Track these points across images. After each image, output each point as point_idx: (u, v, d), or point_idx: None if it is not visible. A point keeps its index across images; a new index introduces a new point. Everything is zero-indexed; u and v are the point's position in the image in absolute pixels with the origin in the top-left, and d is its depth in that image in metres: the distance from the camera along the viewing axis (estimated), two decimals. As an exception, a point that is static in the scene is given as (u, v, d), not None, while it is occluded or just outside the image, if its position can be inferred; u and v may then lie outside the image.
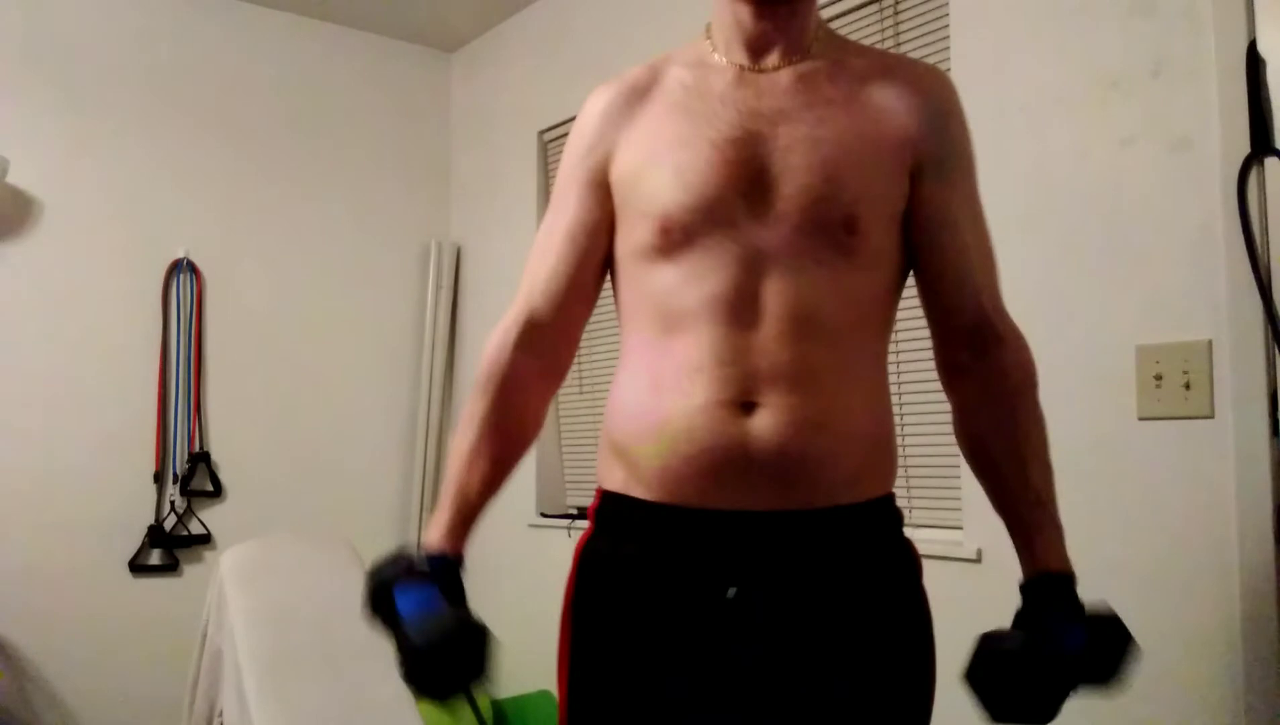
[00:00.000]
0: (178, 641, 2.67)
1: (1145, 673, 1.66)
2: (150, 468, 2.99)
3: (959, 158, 1.15)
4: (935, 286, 1.15)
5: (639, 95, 1.19)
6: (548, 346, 1.23)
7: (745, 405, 1.04)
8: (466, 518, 1.17)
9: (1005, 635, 1.03)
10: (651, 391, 1.09)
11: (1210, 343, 1.61)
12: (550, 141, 3.20)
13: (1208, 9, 1.62)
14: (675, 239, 1.09)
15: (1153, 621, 1.65)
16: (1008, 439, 1.12)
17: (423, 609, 1.08)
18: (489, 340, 1.24)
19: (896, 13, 2.18)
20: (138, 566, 2.96)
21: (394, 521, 3.42)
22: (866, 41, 2.16)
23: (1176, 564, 1.63)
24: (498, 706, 2.87)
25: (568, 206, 1.22)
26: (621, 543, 1.13)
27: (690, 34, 1.25)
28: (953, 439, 1.20)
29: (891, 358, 2.03)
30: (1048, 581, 1.06)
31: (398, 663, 1.08)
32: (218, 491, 3.10)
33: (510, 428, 1.22)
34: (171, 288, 3.07)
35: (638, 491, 1.11)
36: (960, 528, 1.94)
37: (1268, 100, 1.56)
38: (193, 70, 3.14)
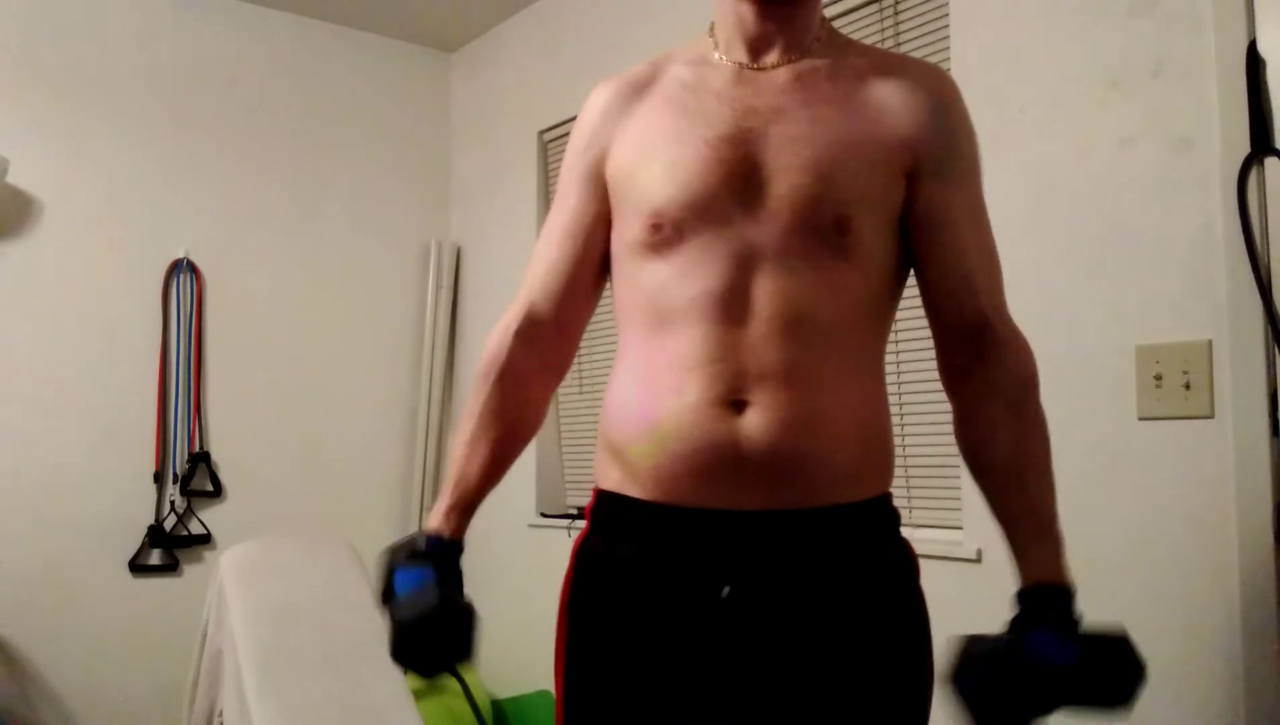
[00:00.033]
0: (178, 641, 2.67)
1: (1146, 672, 1.66)
2: (150, 468, 3.00)
3: (959, 158, 1.13)
4: (934, 287, 1.14)
5: (638, 91, 1.19)
6: (547, 341, 1.24)
7: (736, 403, 1.04)
8: (465, 505, 1.20)
9: (986, 639, 1.00)
10: (644, 390, 1.10)
11: (1210, 343, 1.61)
12: (550, 141, 3.20)
13: (1208, 9, 1.62)
14: (667, 235, 1.09)
15: (1153, 621, 1.65)
16: (1005, 446, 1.09)
17: (412, 587, 1.12)
18: (490, 334, 1.25)
19: (896, 13, 2.18)
20: (138, 566, 2.96)
21: (394, 522, 3.42)
22: (866, 41, 2.16)
23: (1176, 564, 1.63)
24: (498, 706, 2.87)
25: (567, 203, 1.23)
26: (617, 542, 1.14)
27: (690, 34, 1.25)
28: (953, 439, 1.19)
29: (891, 358, 2.04)
30: (1039, 593, 1.02)
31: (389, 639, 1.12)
32: (218, 491, 3.10)
33: (509, 419, 1.23)
34: (171, 288, 3.07)
35: (632, 491, 1.11)
36: (960, 528, 1.94)
37: (1268, 100, 1.56)
38: (193, 70, 3.15)
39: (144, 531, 2.97)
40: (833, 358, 1.07)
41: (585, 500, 1.22)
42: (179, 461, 3.04)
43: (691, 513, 1.07)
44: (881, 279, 1.12)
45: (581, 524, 1.21)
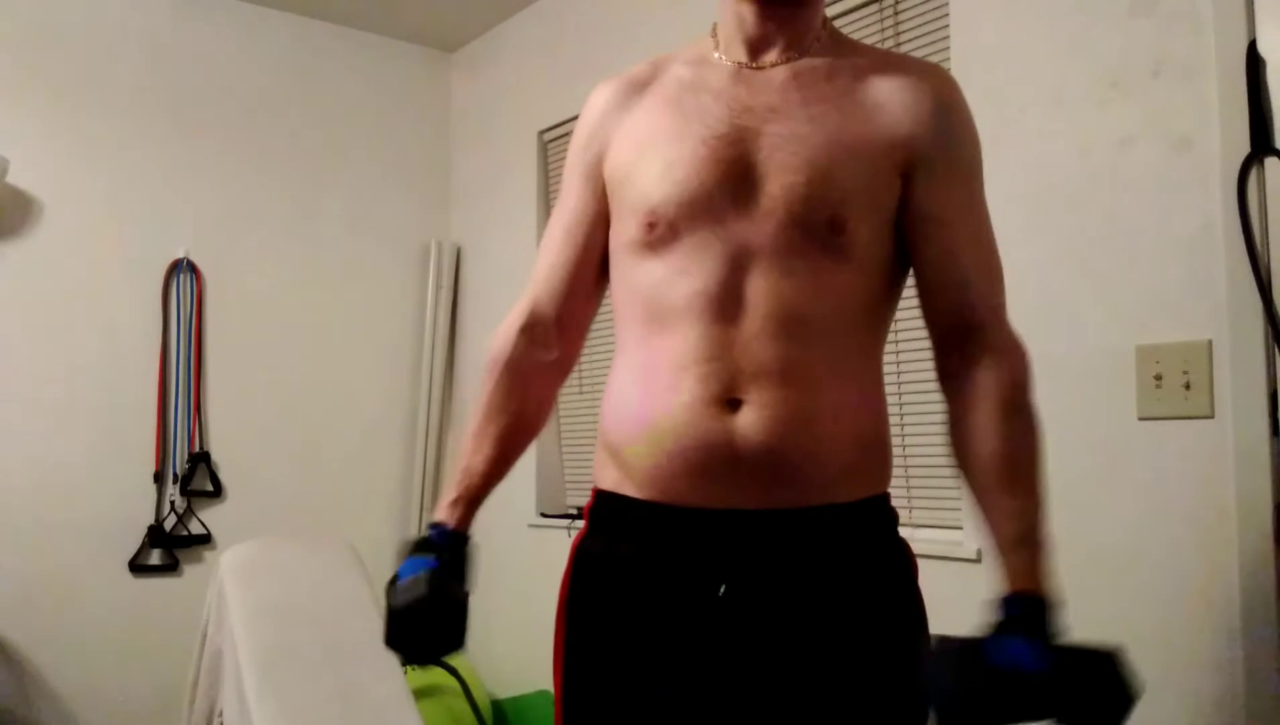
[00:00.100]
0: (178, 641, 2.67)
1: (1146, 672, 1.66)
2: (150, 468, 2.99)
3: (957, 158, 1.12)
4: (928, 288, 1.13)
5: (637, 90, 1.20)
6: (550, 338, 1.25)
7: (731, 402, 1.05)
8: (470, 497, 1.21)
9: (955, 640, 0.97)
10: (640, 390, 1.10)
11: (1210, 343, 1.60)
12: (550, 141, 3.20)
13: (1208, 9, 1.62)
14: (662, 234, 1.09)
15: (1153, 621, 1.65)
16: (993, 450, 1.06)
17: (408, 575, 1.13)
18: (496, 332, 1.27)
19: (896, 13, 2.18)
20: (138, 566, 2.96)
21: (394, 522, 3.42)
22: (867, 42, 2.16)
23: (1176, 564, 1.63)
24: (498, 706, 2.87)
25: (568, 202, 1.24)
26: (614, 541, 1.14)
27: (690, 34, 1.25)
28: (953, 439, 1.19)
29: (891, 358, 2.04)
30: (1015, 600, 0.99)
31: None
32: (218, 491, 3.10)
33: (513, 414, 1.24)
34: (171, 288, 3.07)
35: (630, 490, 1.12)
36: (960, 528, 1.94)
37: (1268, 100, 1.56)
38: (193, 70, 3.14)
39: (144, 531, 2.97)
40: (828, 357, 1.07)
41: (585, 500, 1.22)
42: (179, 461, 3.04)
43: (688, 512, 1.07)
44: (878, 279, 1.11)
45: (581, 524, 1.21)
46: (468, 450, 1.23)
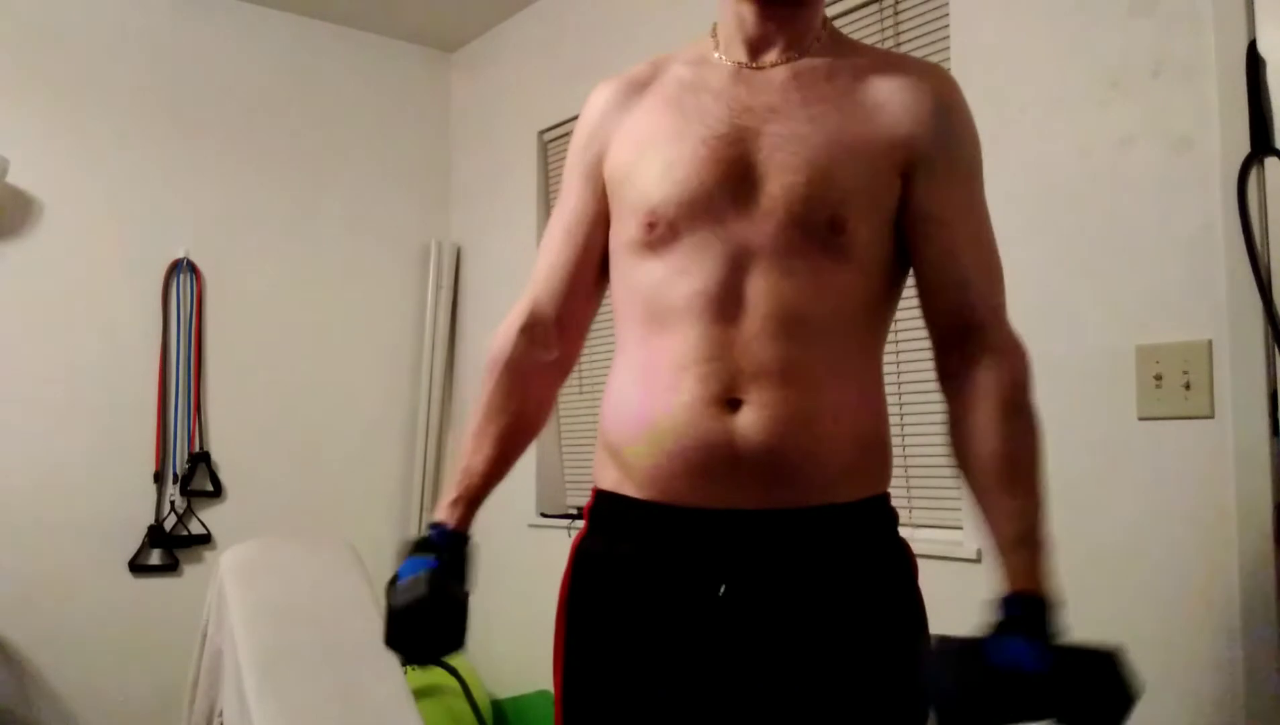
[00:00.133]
0: (178, 641, 2.67)
1: (1146, 672, 1.66)
2: (150, 468, 2.99)
3: (957, 158, 1.12)
4: (928, 288, 1.13)
5: (637, 90, 1.20)
6: (550, 337, 1.25)
7: (731, 402, 1.05)
8: (470, 497, 1.21)
9: (954, 639, 0.97)
10: (639, 389, 1.10)
11: (1210, 343, 1.60)
12: (550, 141, 3.20)
13: (1208, 9, 1.62)
14: (661, 234, 1.09)
15: (1153, 621, 1.65)
16: (992, 450, 1.06)
17: (408, 576, 1.13)
18: (496, 332, 1.27)
19: (896, 13, 2.18)
20: (138, 566, 2.96)
21: (394, 522, 3.42)
22: (867, 42, 2.16)
23: (1176, 564, 1.63)
24: (498, 706, 2.87)
25: (568, 202, 1.24)
26: (614, 541, 1.14)
27: (690, 33, 1.25)
28: (954, 439, 1.19)
29: (891, 358, 2.04)
30: (1014, 600, 0.99)
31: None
32: (218, 491, 3.10)
33: (513, 413, 1.24)
34: (171, 288, 3.07)
35: (630, 490, 1.12)
36: (960, 528, 1.94)
37: (1268, 100, 1.56)
38: (193, 70, 3.14)
39: (144, 531, 2.97)
40: (827, 357, 1.07)
41: (585, 500, 1.22)
42: (179, 461, 3.04)
43: (688, 512, 1.07)
44: (878, 279, 1.11)
45: (581, 524, 1.22)
46: (468, 450, 1.24)
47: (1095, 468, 1.74)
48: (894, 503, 1.17)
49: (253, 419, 3.18)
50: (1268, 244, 1.55)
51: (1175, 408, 1.64)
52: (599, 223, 1.21)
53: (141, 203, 3.03)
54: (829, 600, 1.06)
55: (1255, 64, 1.56)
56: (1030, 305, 1.80)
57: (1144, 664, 1.68)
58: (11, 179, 2.78)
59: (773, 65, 1.14)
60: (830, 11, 2.28)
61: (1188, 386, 1.62)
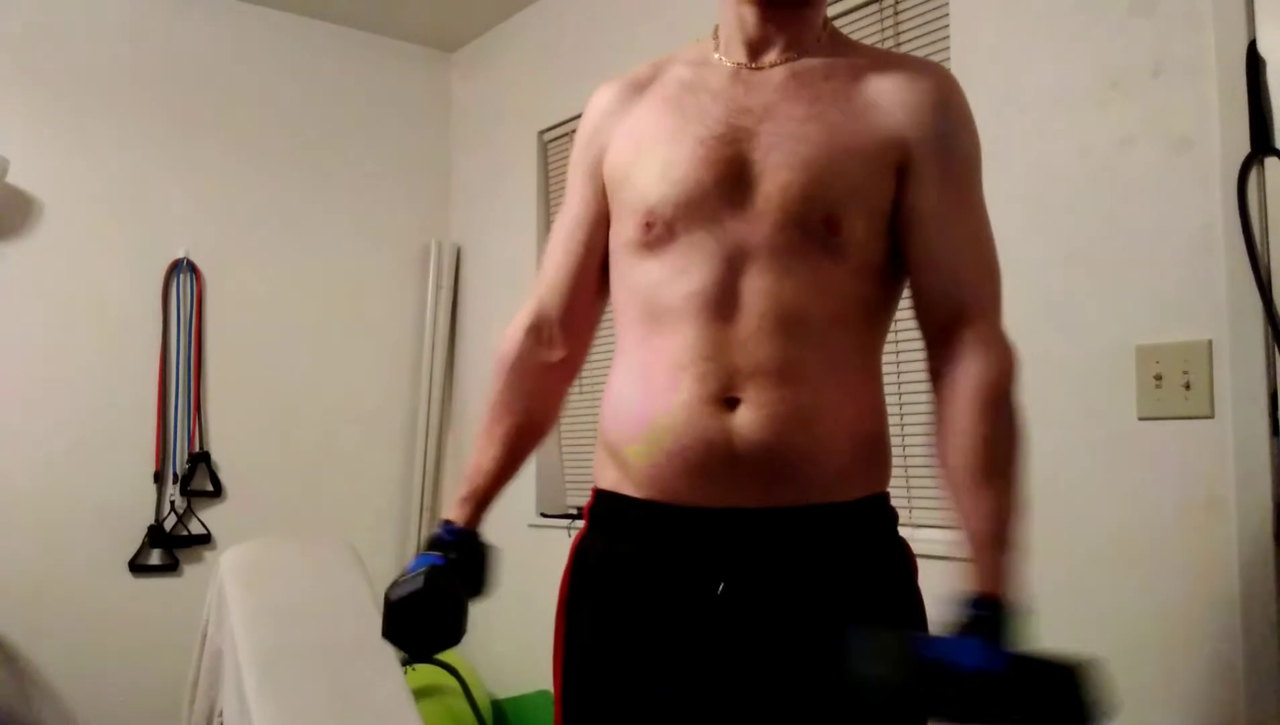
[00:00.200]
0: (178, 641, 2.67)
1: (1146, 672, 1.66)
2: (150, 468, 2.99)
3: (951, 157, 1.11)
4: (917, 285, 1.13)
5: (638, 91, 1.20)
6: (556, 337, 1.26)
7: (728, 401, 1.05)
8: (478, 496, 1.23)
9: (892, 631, 0.96)
10: (638, 389, 1.10)
11: (1210, 343, 1.60)
12: (550, 141, 3.20)
13: (1208, 9, 1.62)
14: (659, 234, 1.10)
15: (1153, 621, 1.65)
16: (966, 447, 1.04)
17: (411, 570, 1.16)
18: (505, 332, 1.29)
19: (896, 13, 2.18)
20: (138, 566, 2.96)
21: (394, 522, 3.42)
22: (866, 42, 2.16)
23: (1176, 564, 1.63)
24: (498, 706, 2.87)
25: (571, 202, 1.25)
26: (613, 541, 1.14)
27: (690, 33, 1.25)
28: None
29: (891, 358, 2.04)
30: (974, 601, 0.97)
31: None
32: (218, 491, 3.10)
33: (521, 413, 1.26)
34: (171, 288, 3.07)
35: (629, 490, 1.12)
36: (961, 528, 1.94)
37: (1268, 100, 1.56)
38: (193, 70, 3.14)
39: (144, 531, 2.97)
40: (825, 356, 1.07)
41: (585, 500, 1.23)
42: (179, 461, 3.04)
43: (687, 511, 1.07)
44: (874, 278, 1.11)
45: (581, 524, 1.22)
46: (476, 449, 1.26)
47: (1095, 468, 1.74)
48: (894, 502, 1.17)
49: (253, 419, 3.18)
50: (1268, 244, 1.55)
51: (1175, 408, 1.64)
52: (601, 223, 1.21)
53: (141, 203, 3.03)
54: (828, 599, 1.06)
55: (1255, 64, 1.56)
56: (1030, 305, 1.80)
57: (1144, 664, 1.69)
58: (11, 179, 2.78)
59: (772, 65, 1.14)
60: (830, 11, 2.28)
61: (1188, 386, 1.62)
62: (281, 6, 3.29)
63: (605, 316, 1.26)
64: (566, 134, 3.08)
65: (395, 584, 1.17)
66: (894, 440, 1.20)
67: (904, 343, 2.00)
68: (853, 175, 1.08)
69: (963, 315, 1.09)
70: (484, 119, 3.50)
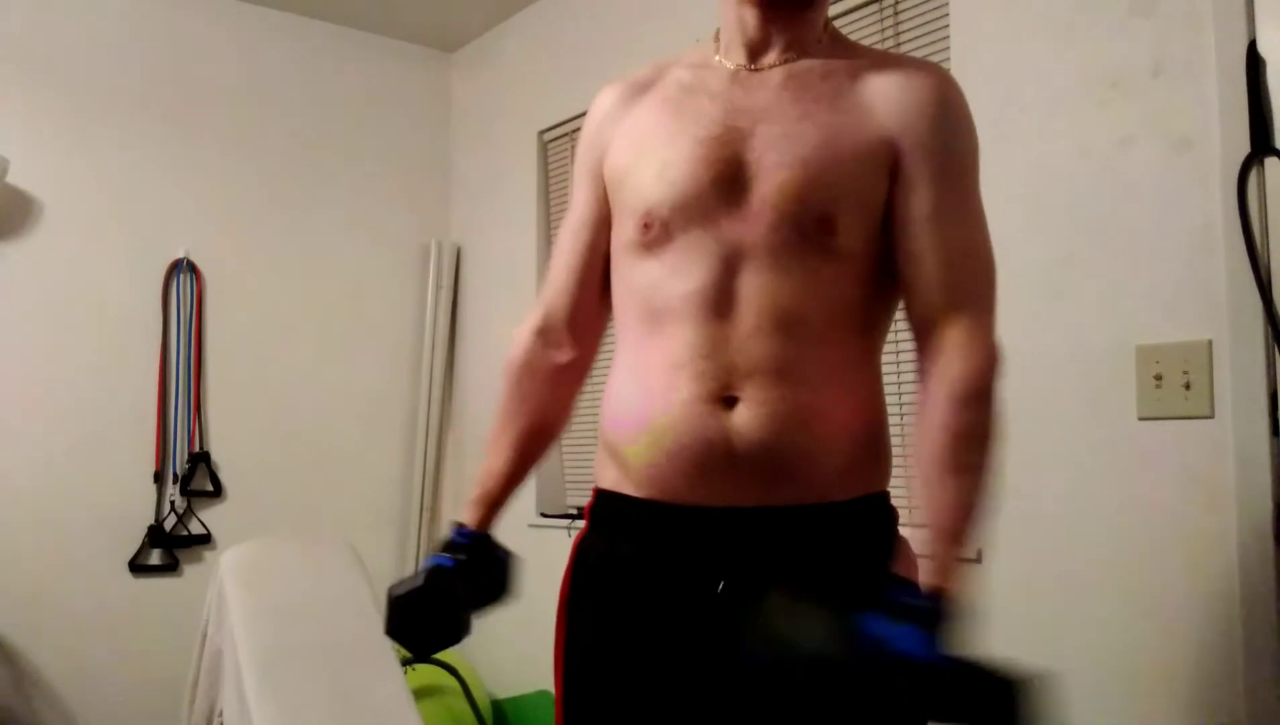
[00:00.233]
0: (178, 641, 2.67)
1: (1145, 671, 1.66)
2: (150, 468, 2.99)
3: (944, 157, 1.10)
4: (903, 283, 1.12)
5: (638, 92, 1.21)
6: (564, 339, 1.27)
7: (727, 400, 1.05)
8: (489, 499, 1.27)
9: (814, 610, 0.95)
10: (637, 389, 1.11)
11: (1210, 343, 1.60)
12: (550, 141, 3.20)
13: (1208, 9, 1.62)
14: (656, 234, 1.10)
15: (1152, 621, 1.65)
16: (932, 443, 1.04)
17: (417, 569, 1.20)
18: (515, 335, 1.31)
19: (896, 13, 2.18)
20: (138, 566, 2.96)
21: (394, 522, 3.42)
22: (866, 42, 2.16)
23: (1176, 564, 1.63)
24: (498, 706, 2.87)
25: (575, 204, 1.27)
26: (614, 540, 1.15)
27: (690, 33, 1.25)
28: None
29: (891, 358, 2.04)
30: (917, 590, 0.98)
31: None
32: (218, 491, 3.10)
33: (530, 415, 1.27)
34: (171, 288, 3.07)
35: (629, 489, 1.13)
36: (960, 528, 1.94)
37: (1268, 100, 1.56)
38: (193, 70, 3.14)
39: (144, 531, 2.97)
40: (823, 355, 1.07)
41: (585, 500, 1.23)
42: (179, 461, 3.04)
43: (686, 510, 1.08)
44: (871, 278, 1.11)
45: (581, 524, 1.22)
46: (488, 453, 1.28)
47: (1095, 468, 1.74)
48: (895, 502, 1.17)
49: (253, 419, 3.18)
50: (1268, 244, 1.55)
51: (1175, 408, 1.64)
52: (604, 225, 1.22)
53: (141, 203, 3.03)
54: (828, 598, 1.06)
55: (1255, 64, 1.56)
56: (1030, 305, 1.80)
57: (1143, 664, 1.69)
58: (11, 179, 2.78)
59: (771, 67, 1.14)
60: (830, 11, 2.28)
61: (1188, 386, 1.62)
62: (281, 6, 3.28)
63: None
64: (566, 134, 3.08)
65: (399, 582, 1.20)
66: (894, 439, 1.19)
67: (904, 343, 2.00)
68: (848, 175, 1.08)
69: (946, 313, 1.08)
70: (484, 119, 3.50)
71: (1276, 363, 1.54)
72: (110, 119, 2.99)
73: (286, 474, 3.22)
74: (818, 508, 1.07)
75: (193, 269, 3.09)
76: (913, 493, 1.07)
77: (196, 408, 3.08)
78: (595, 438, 1.21)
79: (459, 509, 3.44)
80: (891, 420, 1.18)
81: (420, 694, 2.43)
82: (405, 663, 2.40)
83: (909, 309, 1.13)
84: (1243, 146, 1.56)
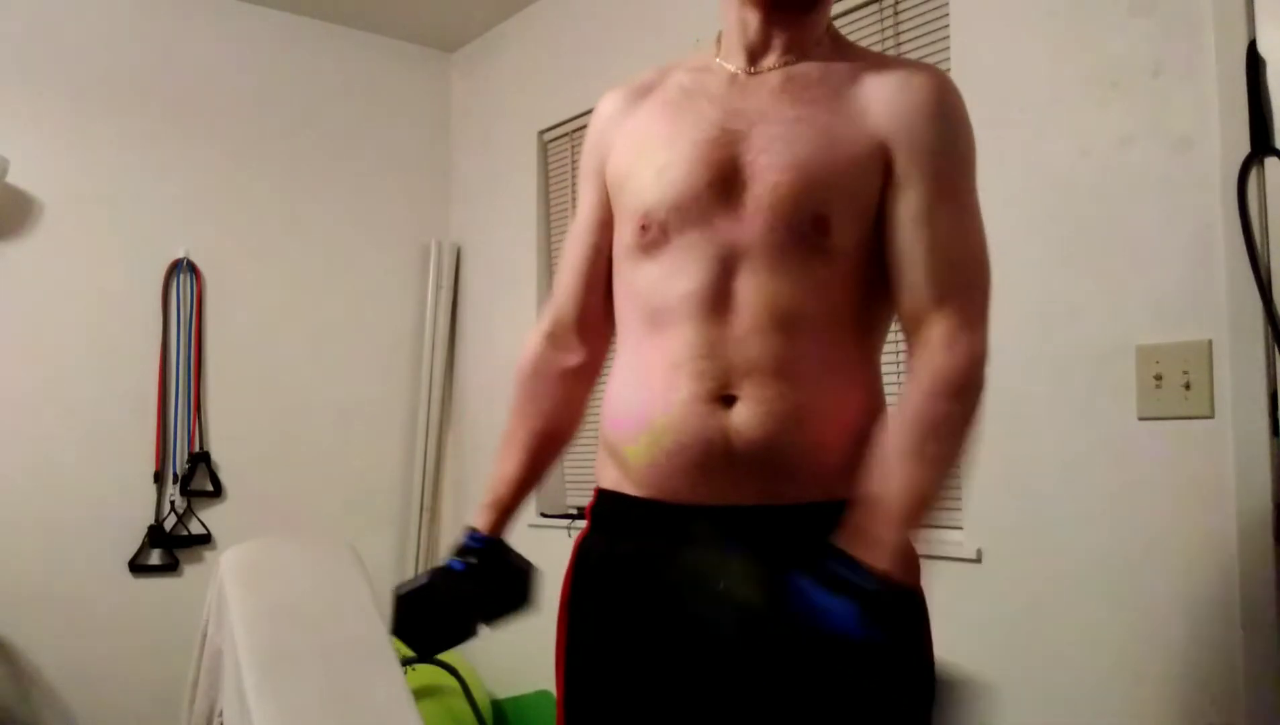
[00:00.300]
0: (178, 641, 2.67)
1: (1146, 672, 1.66)
2: (150, 468, 2.99)
3: (937, 158, 1.10)
4: (892, 282, 1.11)
5: (641, 96, 1.22)
6: (572, 342, 1.28)
7: (726, 399, 1.06)
8: (500, 503, 1.26)
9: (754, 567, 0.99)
10: (636, 389, 1.12)
11: (1210, 343, 1.60)
12: (550, 141, 3.20)
13: (1208, 9, 1.62)
14: (654, 236, 1.11)
15: (1153, 621, 1.65)
16: (899, 429, 1.04)
17: (424, 571, 1.22)
18: (525, 340, 1.32)
19: (896, 13, 2.18)
20: (138, 566, 2.96)
21: (394, 522, 3.42)
22: (866, 42, 2.16)
23: (1176, 564, 1.63)
24: (498, 706, 2.87)
25: (581, 207, 1.28)
26: (615, 540, 1.15)
27: (688, 34, 1.25)
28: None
29: (891, 358, 2.03)
30: (857, 566, 0.97)
31: None
32: (218, 491, 3.10)
33: (538, 418, 1.28)
34: (171, 288, 3.07)
35: (629, 489, 1.13)
36: (960, 528, 1.94)
37: (1268, 100, 1.56)
38: (193, 70, 3.15)
39: (144, 531, 2.97)
40: (821, 354, 1.08)
41: (585, 500, 1.23)
42: (179, 461, 3.04)
43: (687, 509, 1.08)
44: (867, 277, 1.11)
45: (582, 524, 1.22)
46: (498, 457, 1.28)
47: (1095, 468, 1.74)
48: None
49: (253, 419, 3.18)
50: (1268, 244, 1.55)
51: (1175, 408, 1.64)
52: (608, 227, 1.23)
53: (141, 203, 3.03)
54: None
55: (1255, 64, 1.56)
56: (1030, 305, 1.81)
57: (1143, 664, 1.69)
58: (11, 179, 2.78)
59: (770, 70, 1.15)
60: (830, 11, 2.28)
61: (1188, 386, 1.62)
62: (281, 6, 3.29)
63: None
64: (566, 134, 3.08)
65: (406, 582, 1.21)
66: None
67: (905, 343, 2.00)
68: (843, 177, 1.08)
69: (933, 311, 1.08)
70: (484, 119, 3.50)
71: (1276, 363, 1.54)
72: (110, 119, 2.99)
73: (286, 474, 3.22)
74: (818, 506, 1.07)
75: (193, 269, 3.10)
76: (873, 477, 1.05)
77: (196, 408, 3.08)
78: (595, 438, 1.21)
79: (459, 509, 3.44)
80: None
81: (420, 694, 2.43)
82: (405, 663, 2.40)
83: (899, 307, 1.13)
84: (1243, 146, 1.56)
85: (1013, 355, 1.65)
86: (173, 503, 3.01)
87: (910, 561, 1.01)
